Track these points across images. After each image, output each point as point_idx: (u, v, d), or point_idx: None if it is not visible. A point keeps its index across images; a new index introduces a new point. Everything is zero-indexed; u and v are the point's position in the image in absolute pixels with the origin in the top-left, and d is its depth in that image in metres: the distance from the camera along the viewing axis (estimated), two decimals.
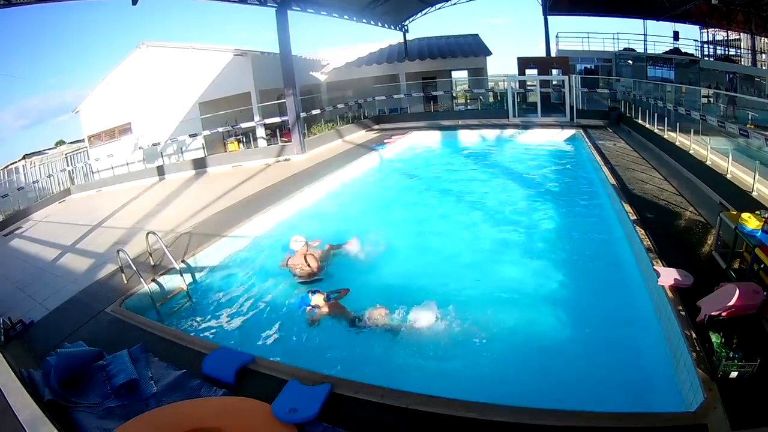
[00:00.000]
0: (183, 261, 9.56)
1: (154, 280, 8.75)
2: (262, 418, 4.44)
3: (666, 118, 15.22)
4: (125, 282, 8.77)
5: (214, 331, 7.68)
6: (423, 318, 6.95)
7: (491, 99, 29.93)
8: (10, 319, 7.73)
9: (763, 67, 28.83)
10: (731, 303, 4.97)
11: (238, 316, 8.00)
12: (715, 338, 4.72)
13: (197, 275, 9.61)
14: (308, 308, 7.51)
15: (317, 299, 7.50)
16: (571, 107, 22.97)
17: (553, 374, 5.90)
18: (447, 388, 5.00)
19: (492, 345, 6.58)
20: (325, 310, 7.48)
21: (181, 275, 8.97)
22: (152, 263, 9.45)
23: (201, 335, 7.31)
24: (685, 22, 30.27)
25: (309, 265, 9.14)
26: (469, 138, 23.39)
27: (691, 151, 11.95)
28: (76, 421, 4.65)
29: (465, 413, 4.38)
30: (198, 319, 8.12)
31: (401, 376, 5.99)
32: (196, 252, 9.99)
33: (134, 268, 8.34)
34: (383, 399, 4.70)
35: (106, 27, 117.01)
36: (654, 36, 32.59)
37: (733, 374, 4.38)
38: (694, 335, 5.05)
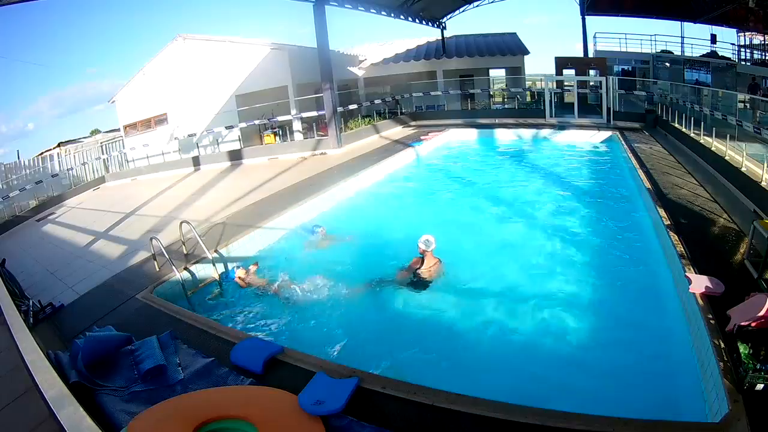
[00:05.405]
0: (216, 251, 9.59)
1: (186, 269, 8.79)
2: (288, 409, 4.36)
3: (702, 123, 14.80)
4: (157, 269, 8.82)
5: (243, 320, 7.65)
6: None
7: (528, 98, 29.56)
8: (39, 302, 7.83)
9: None
10: (761, 314, 4.72)
11: (269, 306, 7.93)
12: (743, 349, 4.52)
13: (230, 265, 9.58)
14: (234, 279, 8.77)
15: (240, 272, 8.79)
16: (608, 109, 22.44)
17: (577, 377, 5.74)
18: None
19: (515, 345, 6.52)
20: (248, 281, 8.69)
21: (214, 265, 8.98)
22: (185, 252, 9.48)
23: (231, 324, 7.26)
24: (722, 25, 29.36)
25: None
26: (505, 137, 23.11)
27: (726, 157, 11.53)
28: (101, 403, 4.62)
29: (491, 413, 4.26)
30: (228, 308, 8.13)
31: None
32: (229, 242, 10.02)
33: (166, 256, 8.30)
34: (409, 395, 4.60)
35: (143, 18, 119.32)
36: (691, 39, 31.75)
37: (760, 386, 4.20)
38: (722, 345, 4.85)
